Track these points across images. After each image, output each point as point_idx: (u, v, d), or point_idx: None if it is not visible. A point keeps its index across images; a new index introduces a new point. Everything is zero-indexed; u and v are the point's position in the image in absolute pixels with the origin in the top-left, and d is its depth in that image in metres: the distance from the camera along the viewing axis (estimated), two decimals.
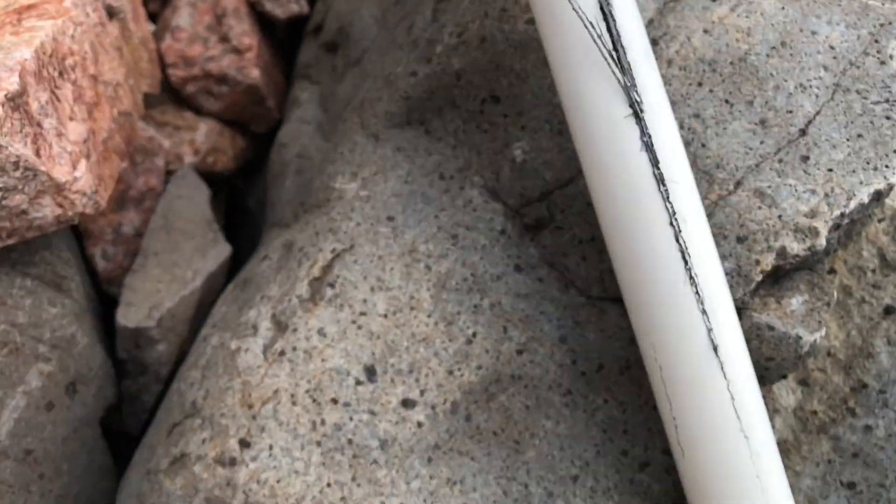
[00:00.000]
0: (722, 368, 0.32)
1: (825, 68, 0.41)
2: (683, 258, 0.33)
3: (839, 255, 0.43)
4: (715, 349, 0.32)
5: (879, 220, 0.43)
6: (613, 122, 0.33)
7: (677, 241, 0.33)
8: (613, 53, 0.33)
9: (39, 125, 0.42)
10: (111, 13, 0.58)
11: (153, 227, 0.57)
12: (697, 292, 0.32)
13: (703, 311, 0.32)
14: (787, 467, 0.43)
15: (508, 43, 0.43)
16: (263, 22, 0.73)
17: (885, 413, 0.42)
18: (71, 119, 0.45)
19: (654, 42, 0.42)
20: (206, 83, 0.68)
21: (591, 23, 0.33)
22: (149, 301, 0.52)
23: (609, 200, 0.35)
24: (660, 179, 0.33)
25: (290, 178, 0.58)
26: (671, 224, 0.33)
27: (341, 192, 0.46)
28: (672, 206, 0.33)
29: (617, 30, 0.33)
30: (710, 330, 0.32)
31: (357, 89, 0.54)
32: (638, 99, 0.33)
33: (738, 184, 0.39)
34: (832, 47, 0.41)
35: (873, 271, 0.42)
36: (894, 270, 0.42)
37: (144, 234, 0.58)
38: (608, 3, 0.33)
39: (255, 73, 0.68)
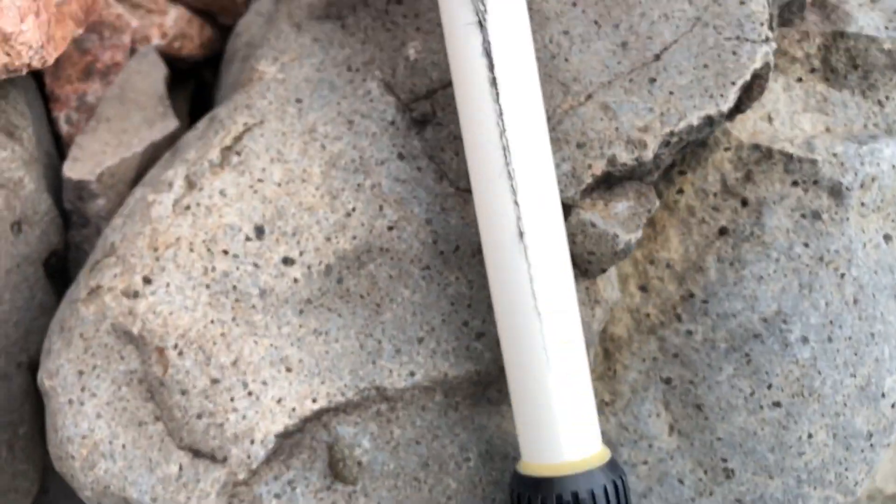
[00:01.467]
0: (525, 253, 0.38)
1: (690, 2, 0.45)
2: (504, 153, 0.38)
3: (688, 178, 0.48)
4: (521, 235, 0.38)
5: (726, 149, 0.48)
6: (460, 27, 0.38)
7: (501, 137, 0.38)
8: None
9: None
10: None
11: (109, 95, 0.63)
12: (512, 185, 0.38)
13: (516, 202, 0.38)
14: (617, 361, 0.49)
15: None
16: None
17: (704, 321, 0.47)
18: None
19: None
20: None
21: None
22: (94, 159, 0.58)
23: (458, 96, 0.40)
24: (493, 82, 0.38)
25: (237, 63, 0.63)
26: (498, 123, 0.38)
27: (262, 73, 0.52)
28: (500, 107, 0.38)
29: None
30: (518, 219, 0.38)
31: None
32: (482, 8, 0.38)
33: (588, 97, 0.44)
34: None
35: (715, 195, 0.48)
36: (733, 196, 0.47)
37: (102, 99, 0.63)
38: None
39: None
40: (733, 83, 0.43)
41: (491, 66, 0.39)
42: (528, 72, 0.40)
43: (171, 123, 0.63)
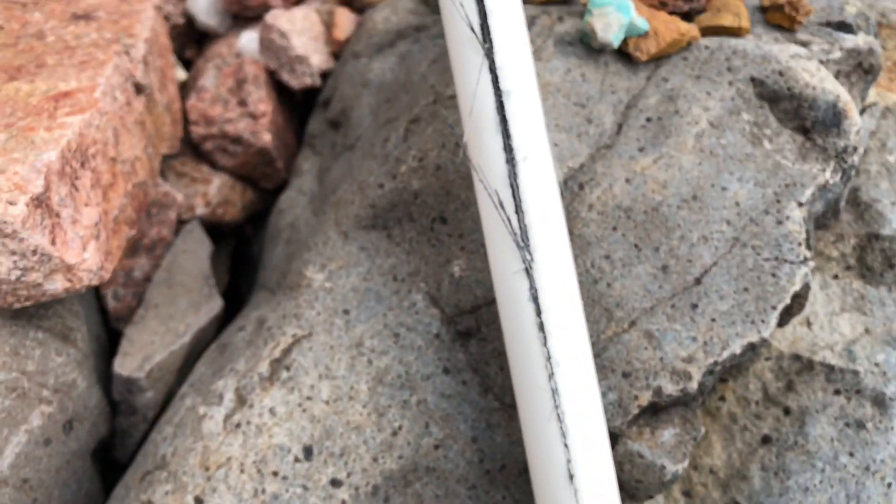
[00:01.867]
0: (576, 495, 0.38)
1: (728, 223, 0.47)
2: (553, 397, 0.39)
3: (729, 385, 0.49)
4: (571, 478, 0.38)
5: (766, 359, 0.48)
6: (509, 275, 0.40)
7: (550, 380, 0.39)
8: (513, 218, 0.39)
9: (58, 215, 0.49)
10: (139, 90, 0.65)
11: (157, 280, 0.65)
12: (562, 428, 0.39)
13: (566, 445, 0.39)
14: None
15: (458, 174, 0.50)
16: (281, 88, 0.80)
17: None
18: (86, 205, 0.52)
19: (580, 186, 0.48)
20: (223, 142, 0.76)
21: (495, 191, 0.39)
22: (143, 352, 0.60)
23: (507, 335, 0.41)
24: (540, 327, 0.39)
25: (281, 245, 0.65)
26: (545, 366, 0.39)
27: (310, 280, 0.53)
28: (548, 351, 0.39)
29: (520, 196, 0.40)
30: (569, 461, 0.38)
31: (344, 177, 0.61)
32: (529, 258, 0.39)
33: (632, 323, 0.45)
34: (738, 203, 0.47)
35: (756, 403, 0.48)
36: (775, 404, 0.48)
37: (151, 283, 0.66)
38: (515, 176, 0.40)
39: (266, 138, 0.75)
40: (773, 307, 0.44)
41: (538, 311, 0.40)
42: (573, 311, 0.41)
43: (216, 305, 0.65)
